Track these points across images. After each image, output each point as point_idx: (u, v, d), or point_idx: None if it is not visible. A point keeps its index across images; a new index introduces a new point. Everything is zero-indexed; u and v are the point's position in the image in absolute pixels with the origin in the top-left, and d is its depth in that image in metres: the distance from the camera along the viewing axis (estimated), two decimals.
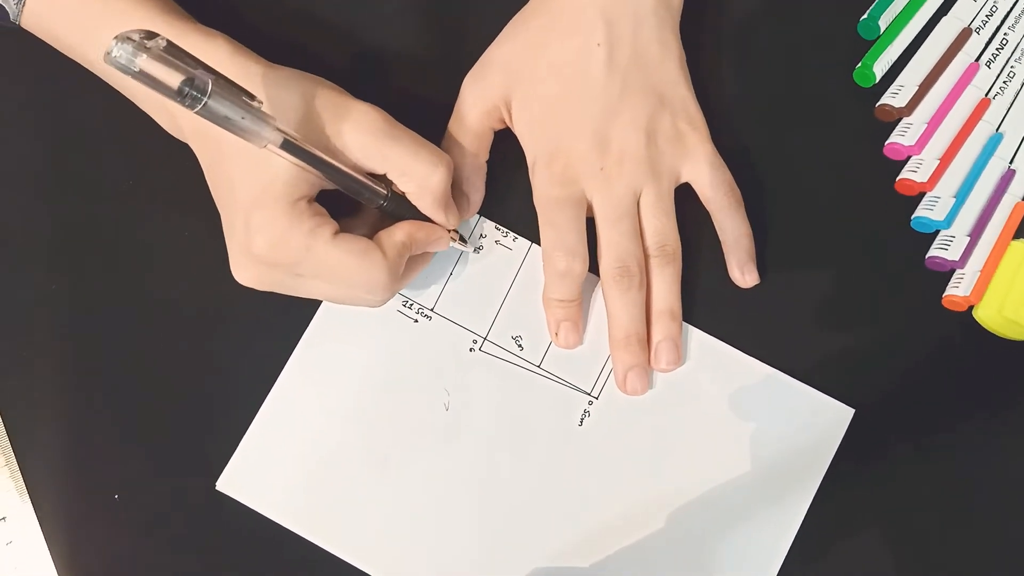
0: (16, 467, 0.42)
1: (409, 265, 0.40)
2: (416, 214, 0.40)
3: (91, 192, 0.44)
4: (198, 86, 0.31)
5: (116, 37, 0.29)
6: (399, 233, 0.39)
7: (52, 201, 0.44)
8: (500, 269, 0.44)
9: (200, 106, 0.31)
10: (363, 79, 0.42)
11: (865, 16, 0.45)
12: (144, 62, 0.30)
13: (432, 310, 0.43)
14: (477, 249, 0.44)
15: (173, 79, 0.30)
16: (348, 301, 0.40)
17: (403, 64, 0.45)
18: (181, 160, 0.41)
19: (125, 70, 0.30)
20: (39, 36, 0.40)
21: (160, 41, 0.30)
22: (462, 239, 0.43)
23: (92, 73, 0.40)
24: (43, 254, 0.44)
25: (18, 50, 0.44)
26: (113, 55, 0.29)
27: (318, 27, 0.45)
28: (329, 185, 0.38)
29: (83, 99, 0.44)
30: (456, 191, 0.43)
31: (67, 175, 0.44)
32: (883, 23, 0.45)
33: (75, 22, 0.38)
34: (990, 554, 0.42)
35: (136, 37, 0.30)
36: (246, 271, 0.38)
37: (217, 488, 0.42)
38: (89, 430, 0.43)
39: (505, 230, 0.44)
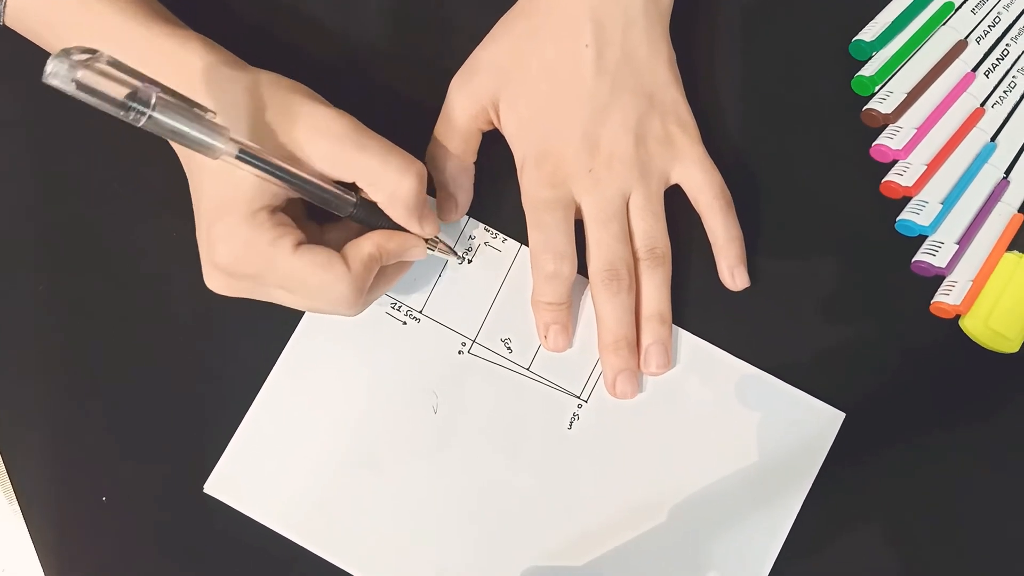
0: (3, 468, 0.42)
1: (383, 275, 0.40)
2: (390, 222, 0.39)
3: (79, 194, 0.44)
4: (141, 99, 0.30)
5: (53, 56, 0.29)
6: (367, 244, 0.38)
7: (39, 203, 0.44)
8: (489, 271, 0.44)
9: (145, 119, 0.31)
10: (350, 79, 0.42)
11: (864, 41, 0.44)
12: (84, 76, 0.29)
13: (421, 312, 0.43)
14: (465, 258, 0.43)
15: (118, 93, 0.30)
16: (316, 311, 0.39)
17: (391, 64, 0.45)
18: (169, 163, 0.40)
19: (62, 88, 0.29)
20: (23, 35, 0.40)
21: (100, 56, 0.30)
22: (449, 248, 0.42)
23: None
24: (30, 255, 0.44)
25: (7, 50, 0.43)
26: (48, 72, 0.29)
27: (306, 26, 0.45)
28: (295, 194, 0.37)
29: (70, 101, 0.43)
30: (444, 193, 0.42)
31: (55, 177, 0.44)
32: (878, 56, 0.45)
33: (54, 22, 0.38)
34: (976, 555, 0.42)
35: (75, 55, 0.29)
36: (214, 280, 0.38)
37: (205, 491, 0.42)
38: (77, 432, 0.43)
39: (494, 232, 0.44)
